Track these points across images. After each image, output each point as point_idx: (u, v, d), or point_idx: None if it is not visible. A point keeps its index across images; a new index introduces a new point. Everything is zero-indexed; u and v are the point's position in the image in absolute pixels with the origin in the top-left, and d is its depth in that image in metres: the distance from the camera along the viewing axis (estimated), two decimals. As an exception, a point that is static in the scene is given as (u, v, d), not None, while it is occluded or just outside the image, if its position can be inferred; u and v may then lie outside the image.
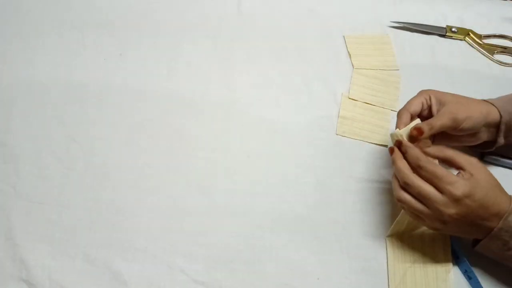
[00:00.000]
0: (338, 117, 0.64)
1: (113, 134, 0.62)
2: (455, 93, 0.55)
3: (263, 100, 0.66)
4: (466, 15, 0.77)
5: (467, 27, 0.75)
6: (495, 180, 0.48)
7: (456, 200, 0.45)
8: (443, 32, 0.74)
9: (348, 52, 0.71)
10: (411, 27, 0.74)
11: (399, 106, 0.64)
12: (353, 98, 0.66)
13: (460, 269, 0.53)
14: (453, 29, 0.74)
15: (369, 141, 0.62)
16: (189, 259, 0.53)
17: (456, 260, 0.53)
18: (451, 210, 0.45)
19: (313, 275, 0.52)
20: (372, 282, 0.52)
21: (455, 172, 0.48)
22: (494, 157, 0.60)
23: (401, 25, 0.75)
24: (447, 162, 0.49)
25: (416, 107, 0.54)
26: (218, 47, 0.71)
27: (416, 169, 0.48)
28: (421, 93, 0.55)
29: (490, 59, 0.72)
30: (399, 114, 0.53)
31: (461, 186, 0.45)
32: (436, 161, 0.49)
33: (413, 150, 0.49)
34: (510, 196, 0.48)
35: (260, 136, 0.62)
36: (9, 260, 0.52)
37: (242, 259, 0.53)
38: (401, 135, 0.51)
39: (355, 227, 0.55)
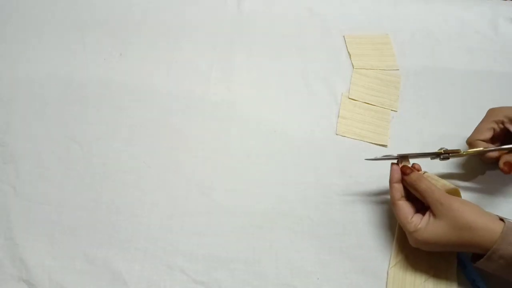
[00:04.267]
0: (338, 117, 0.64)
1: (113, 134, 0.62)
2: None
3: (263, 100, 0.66)
4: (466, 15, 0.76)
5: (467, 27, 0.74)
6: (475, 214, 0.45)
7: (420, 243, 0.47)
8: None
9: (348, 52, 0.71)
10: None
11: (399, 106, 0.65)
12: (353, 98, 0.66)
13: (468, 278, 0.50)
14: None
15: (369, 141, 0.62)
16: (189, 259, 0.53)
17: (463, 269, 0.51)
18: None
19: (313, 275, 0.52)
20: (372, 282, 0.52)
21: None
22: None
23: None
24: (419, 196, 0.49)
25: (486, 134, 0.52)
26: (218, 47, 0.71)
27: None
28: (490, 115, 0.52)
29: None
30: (472, 144, 0.52)
31: (419, 236, 0.47)
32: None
33: (393, 189, 0.51)
34: (502, 219, 0.45)
35: (260, 136, 0.62)
36: (9, 260, 0.52)
37: (242, 259, 0.53)
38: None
39: (355, 227, 0.55)
